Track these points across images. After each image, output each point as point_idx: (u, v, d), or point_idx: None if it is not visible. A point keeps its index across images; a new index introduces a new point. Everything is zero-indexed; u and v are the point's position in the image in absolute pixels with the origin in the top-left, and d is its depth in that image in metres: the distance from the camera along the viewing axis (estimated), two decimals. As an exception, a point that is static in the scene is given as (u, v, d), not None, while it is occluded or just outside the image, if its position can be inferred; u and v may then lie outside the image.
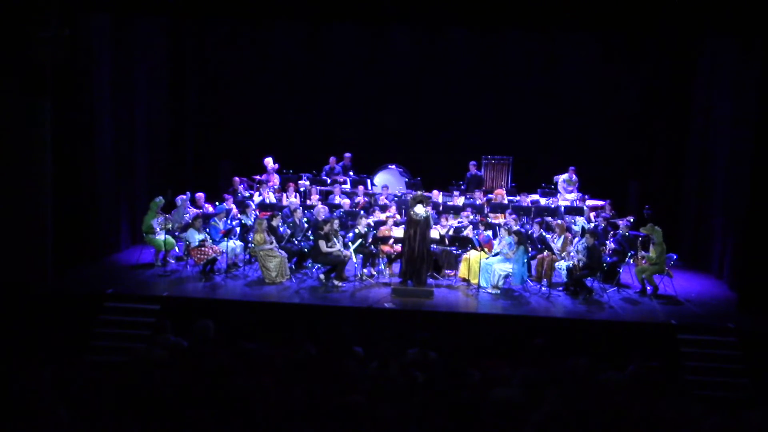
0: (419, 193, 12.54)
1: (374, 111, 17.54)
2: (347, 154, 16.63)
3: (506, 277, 12.22)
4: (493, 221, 13.75)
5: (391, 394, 6.71)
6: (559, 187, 15.78)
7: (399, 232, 12.64)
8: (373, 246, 12.82)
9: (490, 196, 15.38)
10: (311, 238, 12.77)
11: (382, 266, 12.94)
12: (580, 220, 14.02)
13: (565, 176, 15.91)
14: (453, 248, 12.89)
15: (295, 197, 14.85)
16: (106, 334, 10.89)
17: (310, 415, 6.23)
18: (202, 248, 12.29)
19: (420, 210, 11.83)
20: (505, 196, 15.32)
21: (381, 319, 11.09)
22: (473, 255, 12.47)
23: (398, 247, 12.46)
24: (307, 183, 15.72)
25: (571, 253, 12.29)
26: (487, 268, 12.20)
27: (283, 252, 12.40)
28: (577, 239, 12.50)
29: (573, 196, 15.56)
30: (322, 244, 12.19)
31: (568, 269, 12.24)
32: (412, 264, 11.84)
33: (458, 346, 10.28)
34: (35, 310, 11.13)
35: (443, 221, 13.55)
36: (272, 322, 10.98)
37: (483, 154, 16.93)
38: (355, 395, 6.31)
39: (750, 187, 12.01)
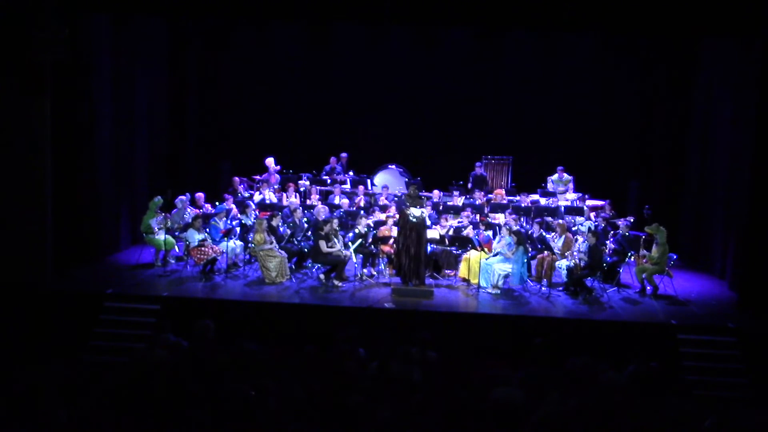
0: (414, 188, 12.43)
1: (374, 111, 17.51)
2: (343, 154, 16.62)
3: (506, 277, 12.22)
4: (493, 221, 13.74)
5: (391, 394, 6.72)
6: (551, 189, 15.78)
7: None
8: (373, 246, 12.82)
9: (490, 196, 15.38)
10: (311, 238, 12.77)
11: (382, 266, 12.93)
12: (586, 223, 13.97)
13: (554, 177, 15.94)
14: (453, 248, 12.88)
15: (295, 197, 14.85)
16: (106, 334, 10.88)
17: (310, 415, 6.23)
18: (202, 248, 12.29)
19: (416, 212, 11.83)
20: (504, 196, 15.33)
21: (381, 319, 11.08)
22: (473, 255, 12.46)
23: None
24: (307, 183, 15.71)
25: (575, 253, 12.29)
26: (487, 268, 12.20)
27: (283, 252, 12.40)
28: (582, 239, 12.49)
29: (573, 195, 15.54)
30: (322, 244, 12.19)
31: (569, 269, 12.24)
32: (409, 264, 11.82)
33: (458, 346, 10.30)
34: (35, 310, 11.14)
35: (443, 221, 13.55)
36: (272, 322, 10.98)
37: (483, 154, 16.94)
38: (355, 395, 6.31)
39: (750, 187, 12.01)
